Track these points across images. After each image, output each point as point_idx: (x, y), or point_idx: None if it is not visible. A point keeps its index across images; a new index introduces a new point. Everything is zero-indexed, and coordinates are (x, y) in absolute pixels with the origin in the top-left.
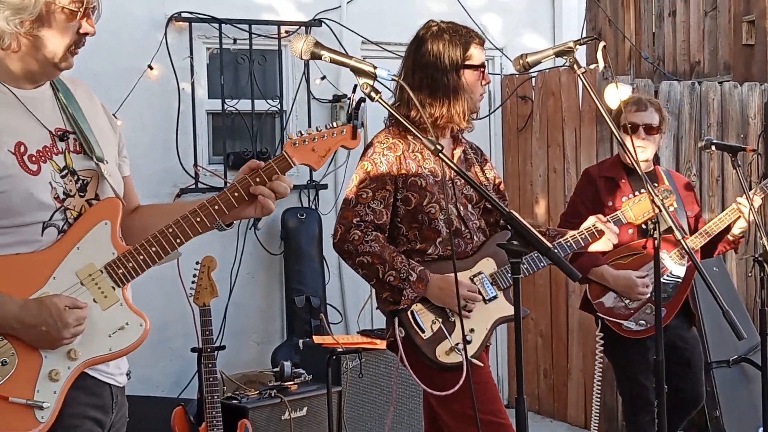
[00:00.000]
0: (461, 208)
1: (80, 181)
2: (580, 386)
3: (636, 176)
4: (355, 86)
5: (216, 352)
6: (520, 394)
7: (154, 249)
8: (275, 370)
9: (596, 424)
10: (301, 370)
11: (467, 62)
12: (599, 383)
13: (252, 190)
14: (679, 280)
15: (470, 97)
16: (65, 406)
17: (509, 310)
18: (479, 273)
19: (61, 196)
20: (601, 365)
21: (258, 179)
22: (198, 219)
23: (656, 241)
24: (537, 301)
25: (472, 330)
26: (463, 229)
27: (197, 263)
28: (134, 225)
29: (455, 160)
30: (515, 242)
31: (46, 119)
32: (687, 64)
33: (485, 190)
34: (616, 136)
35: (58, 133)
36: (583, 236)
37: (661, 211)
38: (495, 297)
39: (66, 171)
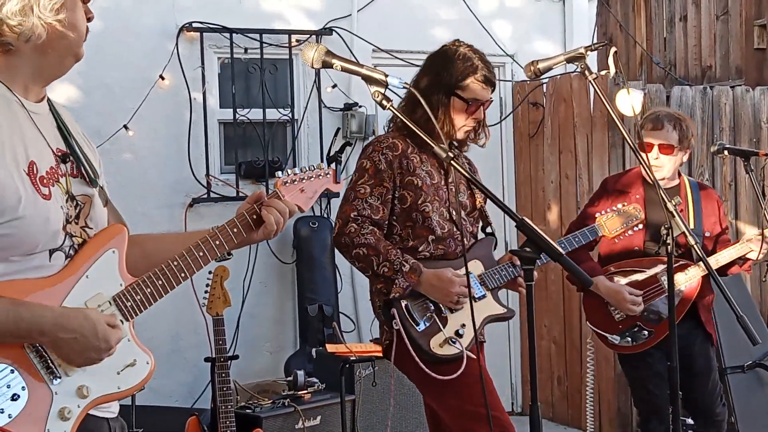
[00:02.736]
0: (453, 213)
1: (78, 207)
2: (594, 393)
3: (653, 193)
4: (337, 130)
5: (229, 361)
6: (534, 401)
7: (160, 282)
8: (288, 379)
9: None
10: (315, 379)
11: (458, 90)
12: (591, 389)
13: (263, 216)
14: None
15: (451, 122)
16: None
17: (497, 309)
18: (469, 273)
19: (64, 223)
20: (593, 370)
21: (255, 215)
22: (201, 253)
23: (669, 247)
24: (550, 307)
25: (463, 325)
26: (454, 230)
27: (210, 273)
28: (134, 252)
29: (451, 170)
30: (527, 249)
31: (50, 138)
32: (698, 68)
33: (494, 196)
34: (628, 142)
35: (59, 154)
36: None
37: (674, 216)
38: (483, 296)
39: (68, 195)
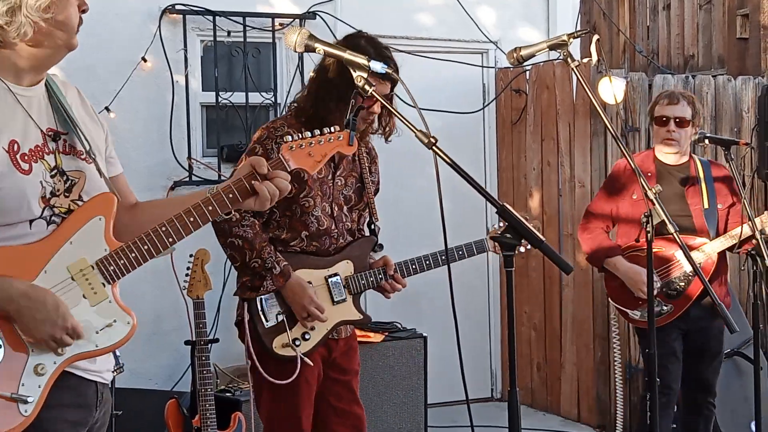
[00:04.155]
0: (335, 208)
1: (68, 182)
2: (573, 380)
3: (665, 170)
4: (354, 92)
5: (210, 344)
6: (513, 387)
7: (146, 247)
8: None
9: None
10: None
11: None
12: (619, 369)
13: (256, 187)
14: (692, 278)
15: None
16: (44, 408)
17: (353, 315)
18: (335, 274)
19: (48, 196)
20: (619, 348)
21: (254, 182)
22: (191, 219)
23: (649, 235)
24: (530, 294)
25: (312, 328)
26: (332, 228)
27: (191, 256)
28: (134, 222)
29: (344, 163)
30: (508, 235)
31: (39, 119)
32: (681, 57)
33: (476, 182)
34: (610, 130)
35: (50, 133)
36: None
37: (655, 204)
38: (343, 300)
39: (56, 171)
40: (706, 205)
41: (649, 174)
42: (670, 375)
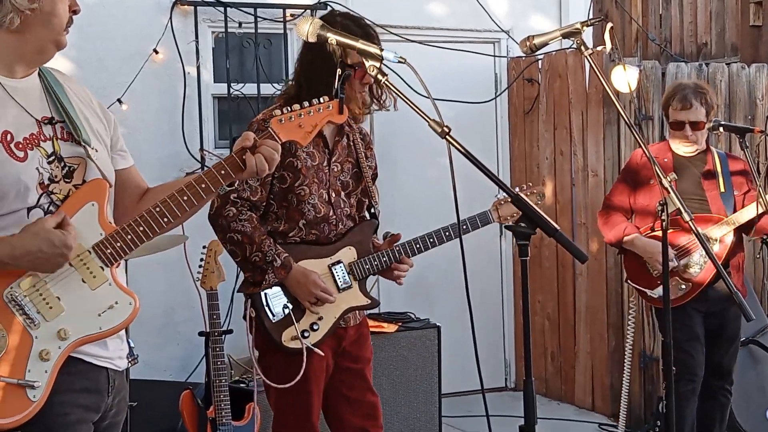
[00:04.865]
0: (333, 195)
1: (66, 168)
2: (587, 369)
3: (683, 160)
4: (340, 61)
5: (223, 336)
6: (528, 376)
7: (141, 228)
8: None
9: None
10: None
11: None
12: (629, 352)
13: (246, 159)
14: (707, 261)
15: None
16: (54, 393)
17: (361, 301)
18: (338, 261)
19: (46, 182)
20: (632, 331)
21: (245, 156)
22: (185, 198)
23: (664, 223)
24: (544, 283)
25: (320, 318)
26: (330, 214)
27: (204, 247)
28: (145, 206)
29: (338, 148)
30: (522, 224)
31: (32, 108)
32: (694, 45)
33: (489, 171)
34: (624, 118)
35: (45, 121)
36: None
37: (670, 192)
38: (349, 286)
39: (53, 157)
40: (722, 189)
41: (666, 160)
42: (695, 360)
